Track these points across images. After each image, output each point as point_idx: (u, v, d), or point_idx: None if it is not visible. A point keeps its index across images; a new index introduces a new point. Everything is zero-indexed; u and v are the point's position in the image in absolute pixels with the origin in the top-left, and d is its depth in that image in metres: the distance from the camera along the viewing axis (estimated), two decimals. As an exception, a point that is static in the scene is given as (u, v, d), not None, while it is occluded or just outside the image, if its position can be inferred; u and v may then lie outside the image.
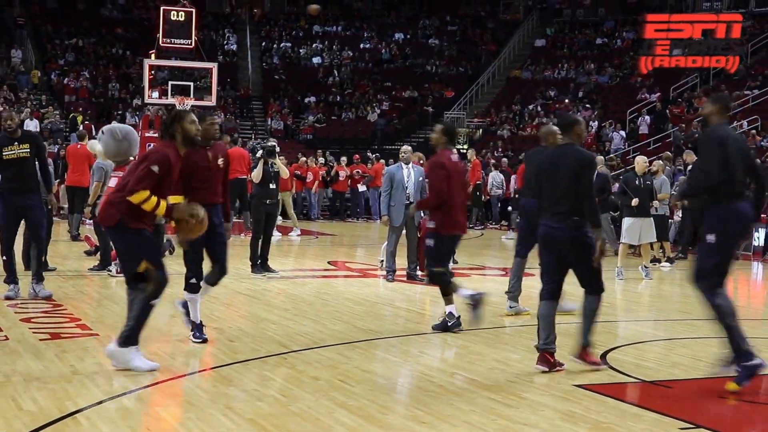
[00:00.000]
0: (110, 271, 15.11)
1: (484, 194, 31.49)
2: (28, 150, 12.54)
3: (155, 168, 8.29)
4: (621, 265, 17.24)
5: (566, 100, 44.20)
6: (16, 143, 12.47)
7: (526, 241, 12.34)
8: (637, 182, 17.52)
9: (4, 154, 12.42)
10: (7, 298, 12.35)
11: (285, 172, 16.08)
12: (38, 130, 37.30)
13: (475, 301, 10.71)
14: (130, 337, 8.48)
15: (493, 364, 9.29)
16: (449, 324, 11.12)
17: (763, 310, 15.05)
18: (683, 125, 35.25)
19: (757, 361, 8.22)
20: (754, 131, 32.51)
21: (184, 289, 10.08)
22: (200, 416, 7.08)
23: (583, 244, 8.76)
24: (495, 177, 31.60)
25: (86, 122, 38.40)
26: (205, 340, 9.92)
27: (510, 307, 12.58)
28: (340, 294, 14.36)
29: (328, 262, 19.16)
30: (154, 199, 8.29)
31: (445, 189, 10.80)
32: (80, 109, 39.67)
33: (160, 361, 8.95)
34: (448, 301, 11.17)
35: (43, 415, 6.94)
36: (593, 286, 9.01)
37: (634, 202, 17.23)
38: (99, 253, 16.38)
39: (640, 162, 18.09)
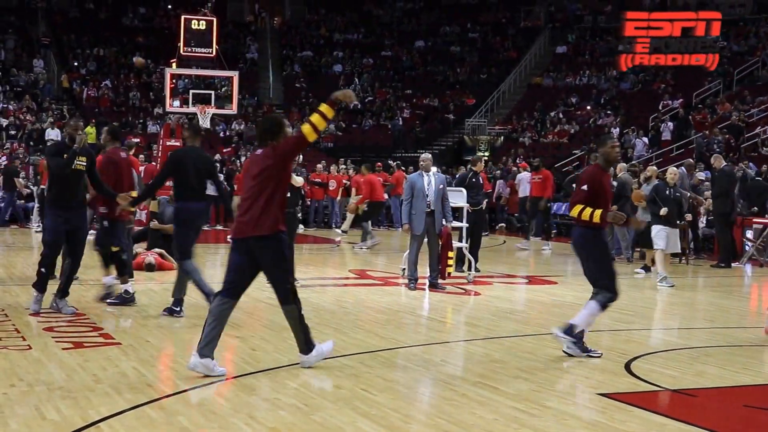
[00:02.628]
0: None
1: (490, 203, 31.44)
2: (85, 163, 12.11)
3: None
4: (663, 271, 17.34)
5: (588, 107, 44.12)
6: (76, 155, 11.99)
7: None
8: (667, 192, 17.65)
9: None
10: (34, 313, 12.01)
11: (296, 181, 16.02)
12: (60, 139, 37.47)
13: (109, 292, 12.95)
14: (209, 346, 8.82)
15: (516, 372, 9.25)
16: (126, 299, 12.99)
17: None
18: (706, 132, 35.12)
19: None
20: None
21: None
22: (222, 425, 7.08)
23: None
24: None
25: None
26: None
27: None
28: (362, 302, 14.33)
29: (350, 271, 19.15)
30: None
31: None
32: (93, 120, 39.71)
33: (181, 370, 8.96)
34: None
35: (67, 424, 6.94)
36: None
37: (663, 211, 17.33)
38: None
39: (671, 173, 18.26)
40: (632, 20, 41.27)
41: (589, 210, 10.03)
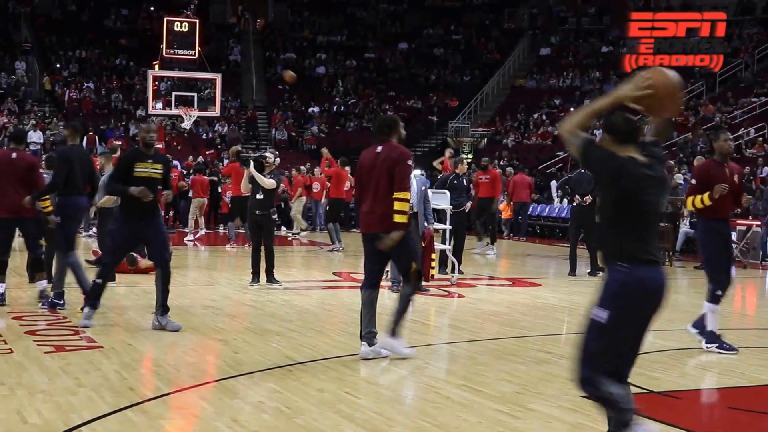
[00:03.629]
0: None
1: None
2: (161, 171, 11.46)
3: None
4: None
5: (571, 109, 44.16)
6: (150, 161, 11.34)
7: None
8: None
9: (135, 170, 11.24)
10: (85, 327, 11.33)
11: (266, 184, 15.95)
12: (42, 141, 37.36)
13: None
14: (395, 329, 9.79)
15: (500, 374, 9.23)
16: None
17: None
18: (689, 134, 35.21)
19: None
20: (760, 138, 32.47)
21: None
22: (205, 429, 7.05)
23: None
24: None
25: (90, 134, 38.42)
26: None
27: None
28: (346, 305, 14.29)
29: (333, 273, 19.12)
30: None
31: None
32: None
33: (164, 373, 8.94)
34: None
35: (48, 428, 6.90)
36: None
37: None
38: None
39: None
40: (637, 21, 41.19)
41: (698, 197, 10.75)
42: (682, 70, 41.37)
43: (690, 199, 10.90)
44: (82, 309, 11.83)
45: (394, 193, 9.58)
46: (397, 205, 9.57)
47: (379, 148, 9.82)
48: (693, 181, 11.03)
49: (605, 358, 5.78)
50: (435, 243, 16.95)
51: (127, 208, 11.35)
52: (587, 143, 5.74)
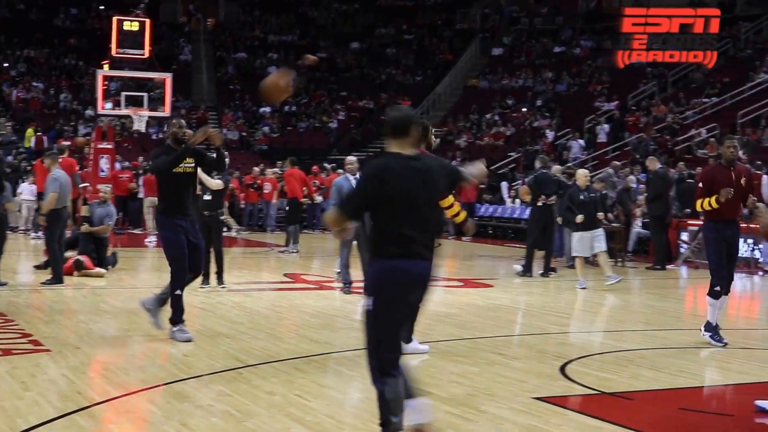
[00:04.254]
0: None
1: None
2: (194, 165, 11.07)
3: None
4: (581, 276, 17.26)
5: (524, 109, 44.30)
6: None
7: None
8: (581, 197, 17.42)
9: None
10: (188, 340, 10.79)
11: (212, 185, 15.79)
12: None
13: None
14: None
15: (451, 376, 9.20)
16: None
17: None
18: (642, 134, 35.39)
19: None
20: (712, 139, 32.70)
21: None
22: (154, 434, 6.96)
23: None
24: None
25: (38, 134, 38.13)
26: None
27: None
28: (296, 307, 14.24)
29: (285, 275, 19.03)
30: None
31: None
32: (33, 123, 39.34)
33: (112, 377, 8.84)
34: None
35: (-8, 434, 6.80)
36: None
37: (579, 218, 17.19)
38: (50, 267, 16.19)
39: (582, 176, 18.00)
40: (630, 16, 40.96)
41: (706, 200, 11.34)
42: (632, 70, 41.67)
43: (699, 201, 11.52)
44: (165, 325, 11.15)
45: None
46: (448, 212, 10.03)
47: None
48: (700, 185, 11.60)
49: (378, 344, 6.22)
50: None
51: (166, 206, 10.91)
52: None
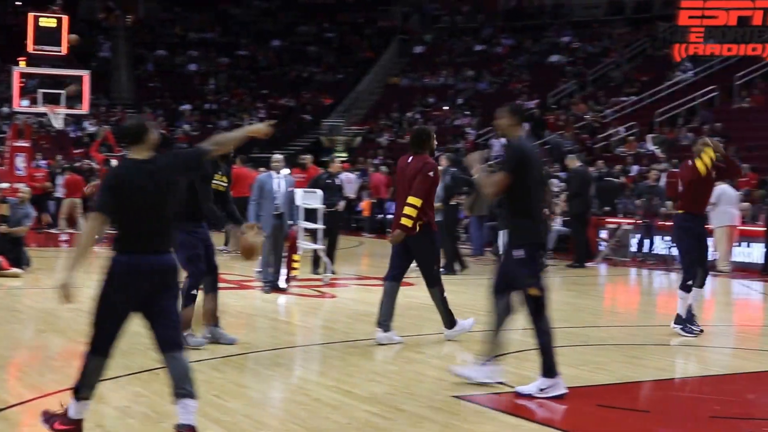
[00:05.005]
0: None
1: None
2: (226, 184, 10.89)
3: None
4: None
5: (445, 107, 44.39)
6: (219, 172, 10.79)
7: None
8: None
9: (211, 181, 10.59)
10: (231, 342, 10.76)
11: None
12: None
13: None
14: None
15: (371, 375, 9.19)
16: None
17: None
18: (563, 132, 35.65)
19: None
20: (632, 137, 33.02)
21: None
22: (67, 437, 6.84)
23: None
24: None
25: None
26: None
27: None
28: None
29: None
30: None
31: None
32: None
33: (27, 378, 8.71)
34: None
35: None
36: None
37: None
38: None
39: None
40: (687, 9, 40.59)
41: (705, 157, 11.74)
42: (552, 69, 41.93)
43: (676, 199, 12.31)
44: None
45: (408, 197, 10.61)
46: (406, 209, 10.61)
47: (410, 159, 10.86)
48: (680, 187, 12.08)
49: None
50: (307, 243, 16.89)
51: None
52: None
